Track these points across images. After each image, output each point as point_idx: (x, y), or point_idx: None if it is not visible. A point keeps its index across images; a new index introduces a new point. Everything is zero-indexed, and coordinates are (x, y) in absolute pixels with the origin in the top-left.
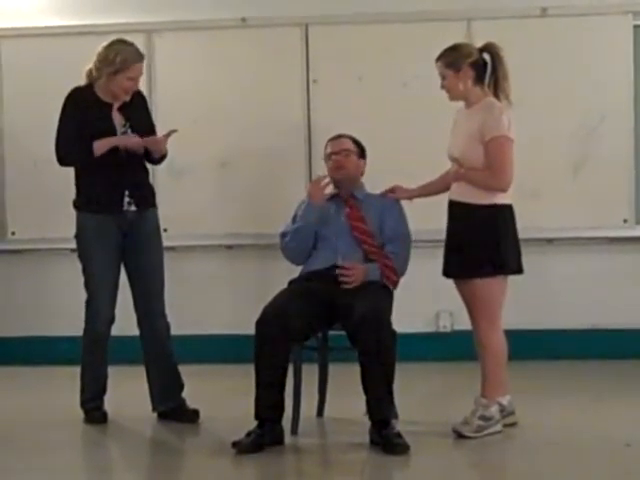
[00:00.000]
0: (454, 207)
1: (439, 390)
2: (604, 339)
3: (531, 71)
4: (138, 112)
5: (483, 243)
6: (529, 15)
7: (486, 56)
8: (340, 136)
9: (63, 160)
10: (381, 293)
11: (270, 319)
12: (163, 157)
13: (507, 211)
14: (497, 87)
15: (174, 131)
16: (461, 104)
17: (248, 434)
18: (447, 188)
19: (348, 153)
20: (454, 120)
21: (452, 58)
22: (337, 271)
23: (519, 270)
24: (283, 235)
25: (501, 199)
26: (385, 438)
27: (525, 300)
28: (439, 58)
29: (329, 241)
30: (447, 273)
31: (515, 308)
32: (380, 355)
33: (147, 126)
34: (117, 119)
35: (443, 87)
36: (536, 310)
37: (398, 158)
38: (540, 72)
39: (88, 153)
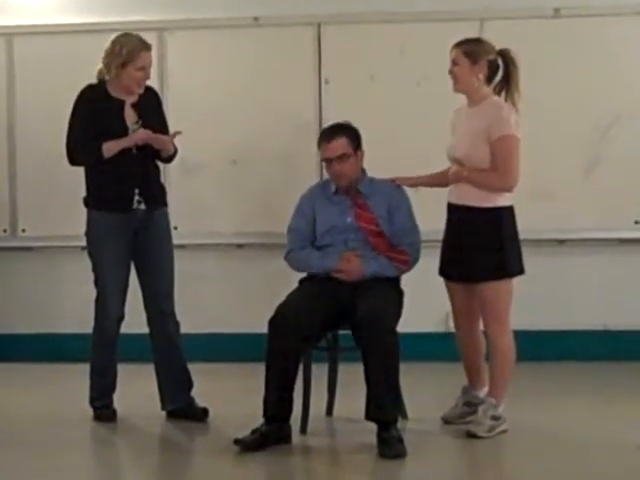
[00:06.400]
0: (455, 210)
1: (449, 390)
2: (615, 340)
3: (544, 72)
4: (151, 110)
5: (489, 247)
6: (542, 16)
7: (500, 61)
8: (331, 136)
9: (73, 160)
10: (388, 293)
11: (284, 317)
12: (172, 156)
13: (509, 213)
14: (506, 94)
15: (178, 132)
16: (458, 106)
17: (253, 431)
18: (445, 185)
19: (344, 158)
20: (452, 121)
21: (473, 48)
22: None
23: (521, 271)
24: (290, 249)
25: (503, 201)
26: (382, 441)
27: (536, 301)
28: (459, 44)
29: (335, 247)
30: (448, 275)
31: (526, 309)
32: (379, 355)
33: (159, 124)
34: (130, 116)
35: (451, 73)
36: (547, 311)
37: (410, 157)
38: (553, 73)
39: (98, 154)
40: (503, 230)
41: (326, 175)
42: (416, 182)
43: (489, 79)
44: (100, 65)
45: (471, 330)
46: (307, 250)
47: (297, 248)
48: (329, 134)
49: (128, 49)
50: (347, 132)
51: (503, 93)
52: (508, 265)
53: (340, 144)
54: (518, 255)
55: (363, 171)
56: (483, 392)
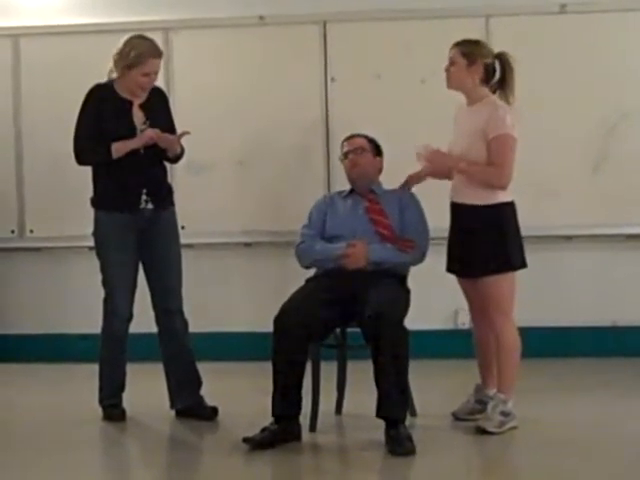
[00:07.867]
0: (458, 208)
1: (458, 387)
2: (623, 336)
3: (550, 68)
4: (159, 110)
5: (490, 242)
6: (548, 12)
7: (497, 64)
8: (354, 135)
9: (81, 160)
10: (395, 290)
11: (288, 316)
12: (179, 157)
13: (510, 208)
14: (503, 96)
15: (186, 133)
16: (461, 102)
17: (263, 430)
18: (448, 176)
19: (362, 150)
20: (454, 119)
21: (471, 49)
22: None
23: (523, 265)
24: (302, 241)
25: (503, 197)
26: (392, 438)
27: (544, 297)
28: (458, 44)
29: (344, 239)
30: (453, 271)
31: (534, 305)
32: (389, 351)
33: (167, 125)
34: (137, 116)
35: (447, 70)
36: (555, 307)
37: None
38: (559, 69)
39: (106, 154)
40: (504, 225)
41: (332, 173)
42: (419, 175)
43: (486, 81)
44: (111, 64)
45: (486, 326)
46: (315, 240)
47: (308, 241)
48: (351, 135)
49: (137, 52)
50: (368, 137)
51: (498, 93)
52: (510, 258)
53: (359, 140)
54: (520, 249)
55: (379, 183)
56: (494, 391)
